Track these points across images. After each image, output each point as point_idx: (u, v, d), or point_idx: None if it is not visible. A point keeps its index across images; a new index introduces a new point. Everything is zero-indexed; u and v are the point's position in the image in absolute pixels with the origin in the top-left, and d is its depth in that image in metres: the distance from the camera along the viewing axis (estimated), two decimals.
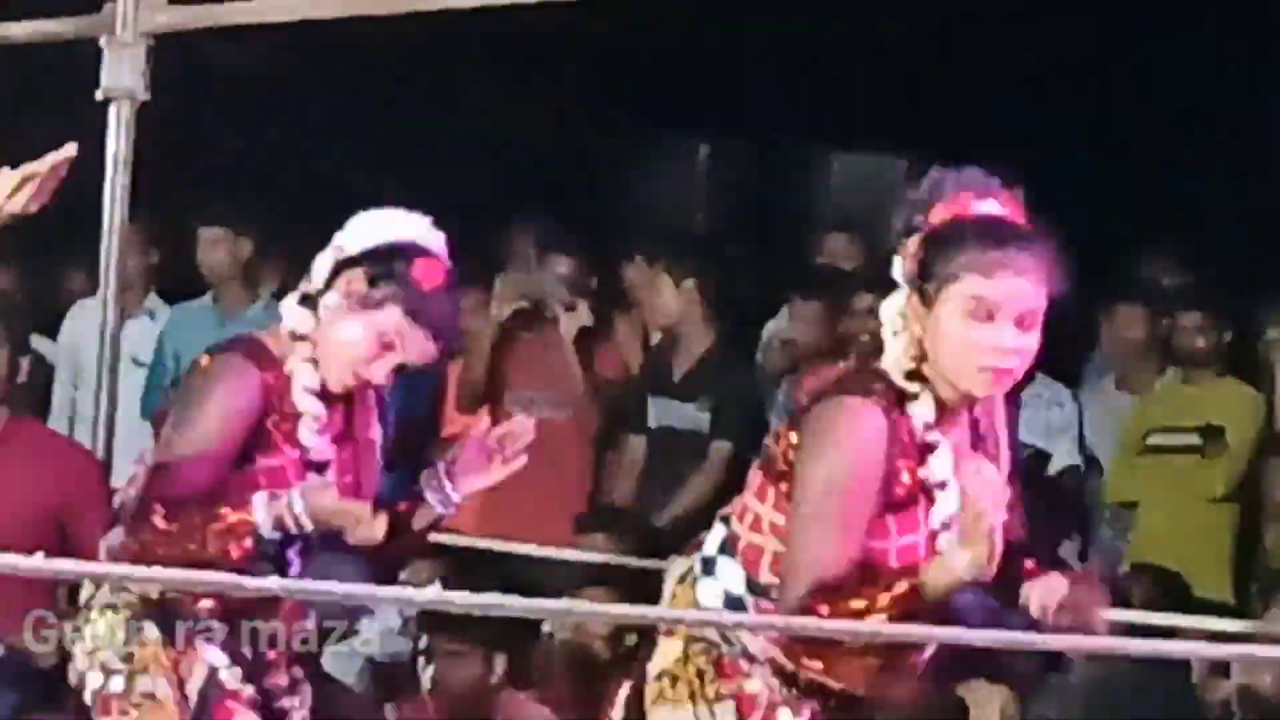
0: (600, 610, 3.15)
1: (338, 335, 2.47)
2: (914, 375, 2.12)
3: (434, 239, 2.54)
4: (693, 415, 4.39)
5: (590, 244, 4.79)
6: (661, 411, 4.43)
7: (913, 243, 2.14)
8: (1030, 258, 2.07)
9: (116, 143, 3.53)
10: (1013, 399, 2.34)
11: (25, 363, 3.66)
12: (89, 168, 2.95)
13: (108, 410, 3.62)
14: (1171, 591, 3.75)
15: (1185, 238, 4.93)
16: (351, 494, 2.53)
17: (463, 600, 1.96)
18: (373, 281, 2.46)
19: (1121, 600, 3.40)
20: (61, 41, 3.77)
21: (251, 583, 2.08)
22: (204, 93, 5.06)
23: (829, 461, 2.08)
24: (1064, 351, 3.75)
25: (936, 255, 2.09)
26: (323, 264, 2.53)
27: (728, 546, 2.20)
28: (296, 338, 2.49)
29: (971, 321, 2.07)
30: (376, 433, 2.63)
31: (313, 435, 2.48)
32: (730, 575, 2.19)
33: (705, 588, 2.21)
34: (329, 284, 2.50)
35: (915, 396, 2.11)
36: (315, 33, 3.73)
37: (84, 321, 4.59)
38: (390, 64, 5.49)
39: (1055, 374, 4.20)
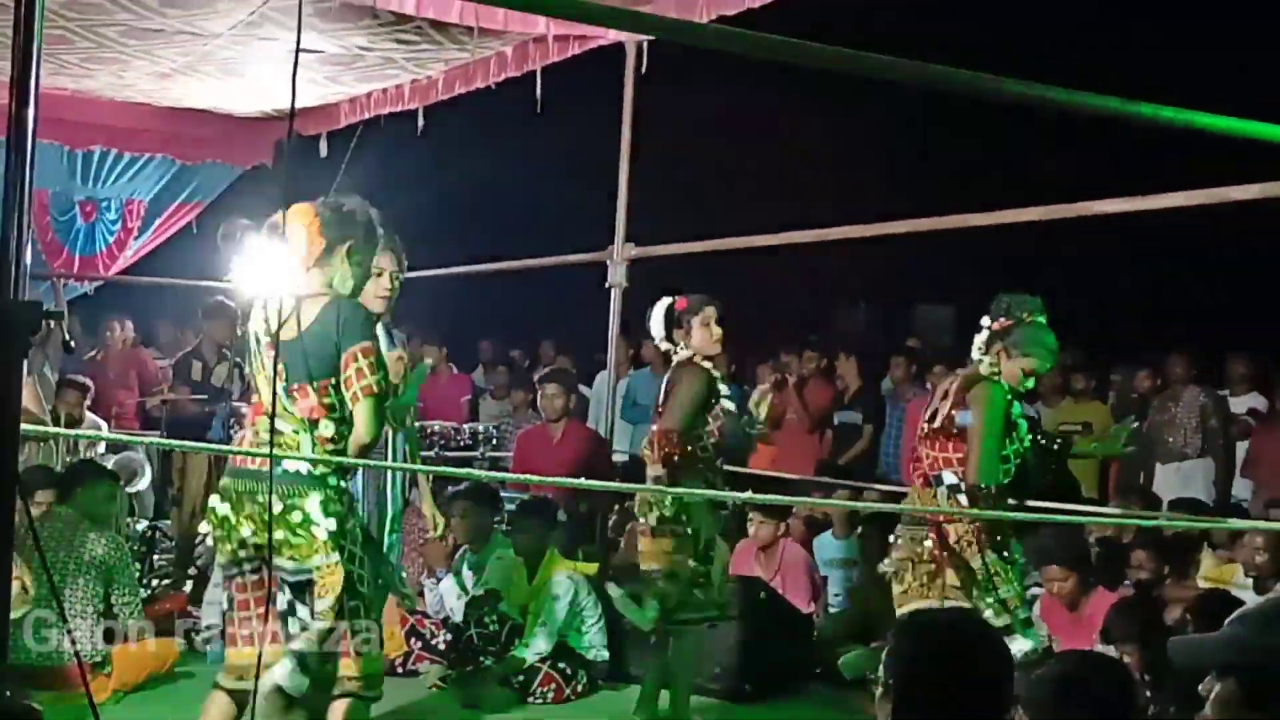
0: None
1: None
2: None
3: None
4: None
5: None
6: None
7: (1004, 324, 5.12)
8: None
9: (613, 315, 7.80)
10: None
11: (574, 399, 8.45)
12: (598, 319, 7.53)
13: (609, 420, 8.35)
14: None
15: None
16: None
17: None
18: None
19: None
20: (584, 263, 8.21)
21: None
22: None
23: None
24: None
25: (1023, 345, 5.09)
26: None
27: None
28: None
29: (1027, 378, 5.15)
30: None
31: None
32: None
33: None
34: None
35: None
36: None
37: (601, 380, 9.49)
38: None
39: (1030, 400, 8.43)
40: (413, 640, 6.88)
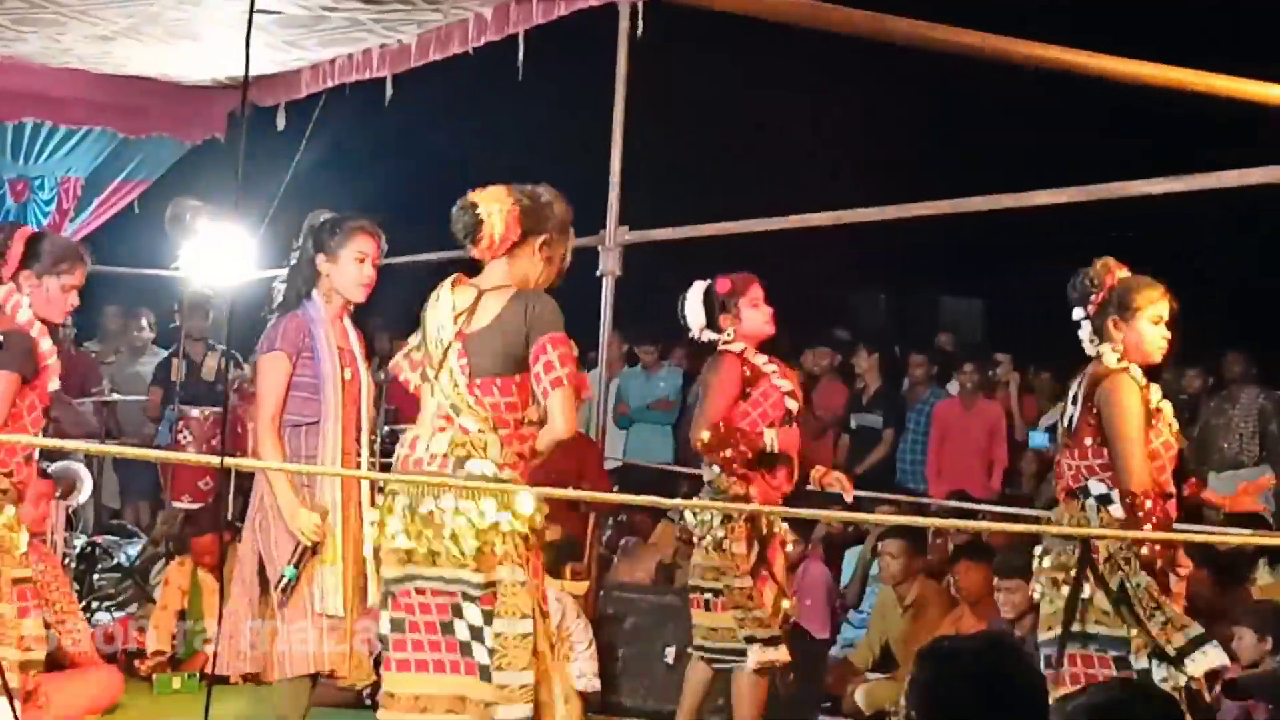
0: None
1: None
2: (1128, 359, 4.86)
3: None
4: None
5: None
6: None
7: (1098, 299, 4.99)
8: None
9: (604, 306, 7.82)
10: None
11: None
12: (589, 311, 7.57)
13: (600, 423, 8.35)
14: None
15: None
16: None
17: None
18: None
19: None
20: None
21: None
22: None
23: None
24: None
25: (1125, 296, 4.97)
26: None
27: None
28: None
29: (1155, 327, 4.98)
30: None
31: None
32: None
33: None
34: None
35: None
36: None
37: (591, 379, 9.50)
38: None
39: None
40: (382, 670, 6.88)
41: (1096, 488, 4.91)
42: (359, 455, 5.28)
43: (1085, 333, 5.07)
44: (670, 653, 6.98)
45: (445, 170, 14.19)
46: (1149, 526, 4.71)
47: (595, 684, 6.77)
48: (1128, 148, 10.61)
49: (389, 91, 8.63)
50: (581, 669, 6.72)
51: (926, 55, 4.04)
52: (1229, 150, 5.48)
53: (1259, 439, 9.07)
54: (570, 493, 6.08)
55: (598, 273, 7.63)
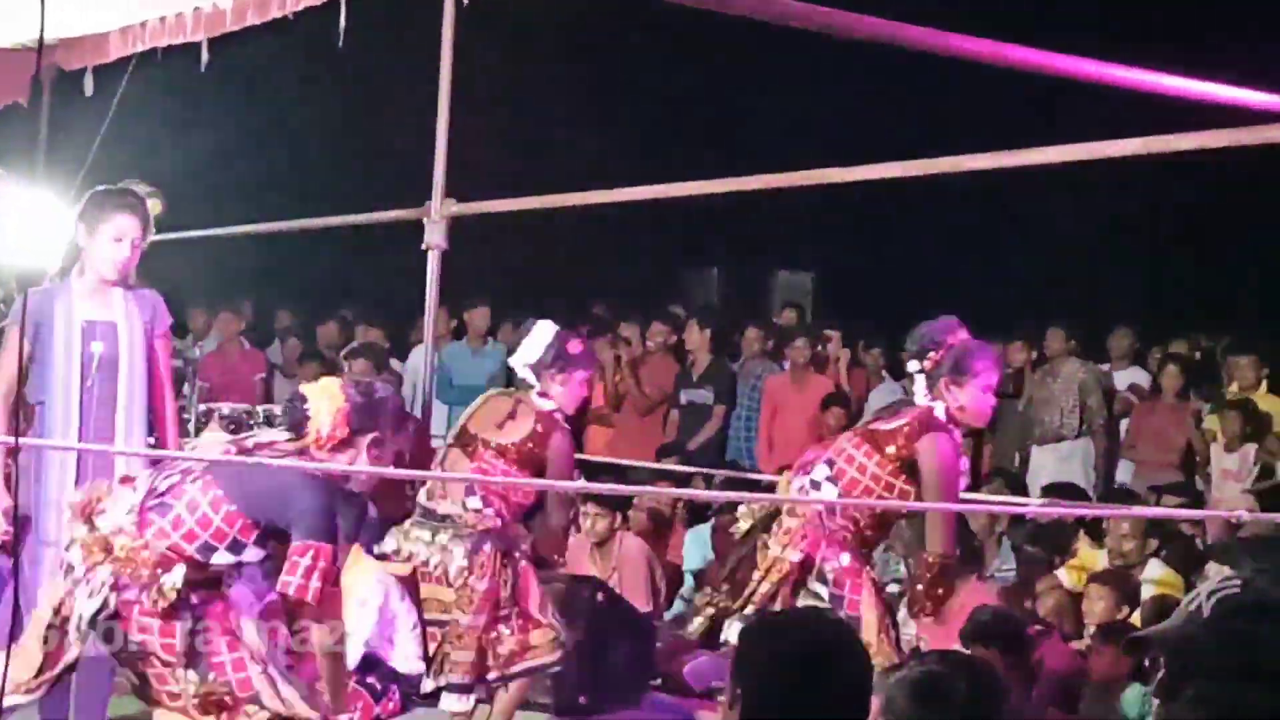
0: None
1: None
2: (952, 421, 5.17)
3: None
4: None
5: None
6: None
7: (936, 357, 5.18)
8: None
9: (430, 280, 7.62)
10: None
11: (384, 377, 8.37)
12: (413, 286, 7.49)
13: (425, 399, 8.26)
14: None
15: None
16: None
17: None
18: None
19: None
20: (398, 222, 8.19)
21: None
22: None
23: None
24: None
25: (963, 361, 5.17)
26: None
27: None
28: None
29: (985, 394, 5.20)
30: None
31: None
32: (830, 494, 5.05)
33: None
34: None
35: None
36: None
37: (417, 355, 9.43)
38: None
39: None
40: None
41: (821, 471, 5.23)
42: (114, 434, 5.10)
43: (919, 386, 5.26)
44: None
45: (262, 139, 13.99)
46: None
47: (420, 666, 6.70)
48: (958, 122, 10.80)
49: (204, 57, 8.42)
50: (406, 652, 6.66)
51: (757, 23, 4.04)
52: (1051, 125, 5.58)
53: (1079, 412, 9.29)
54: (403, 472, 5.98)
55: (423, 246, 7.54)
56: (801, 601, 5.02)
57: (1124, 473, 9.42)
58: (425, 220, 7.51)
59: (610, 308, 11.58)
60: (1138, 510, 7.35)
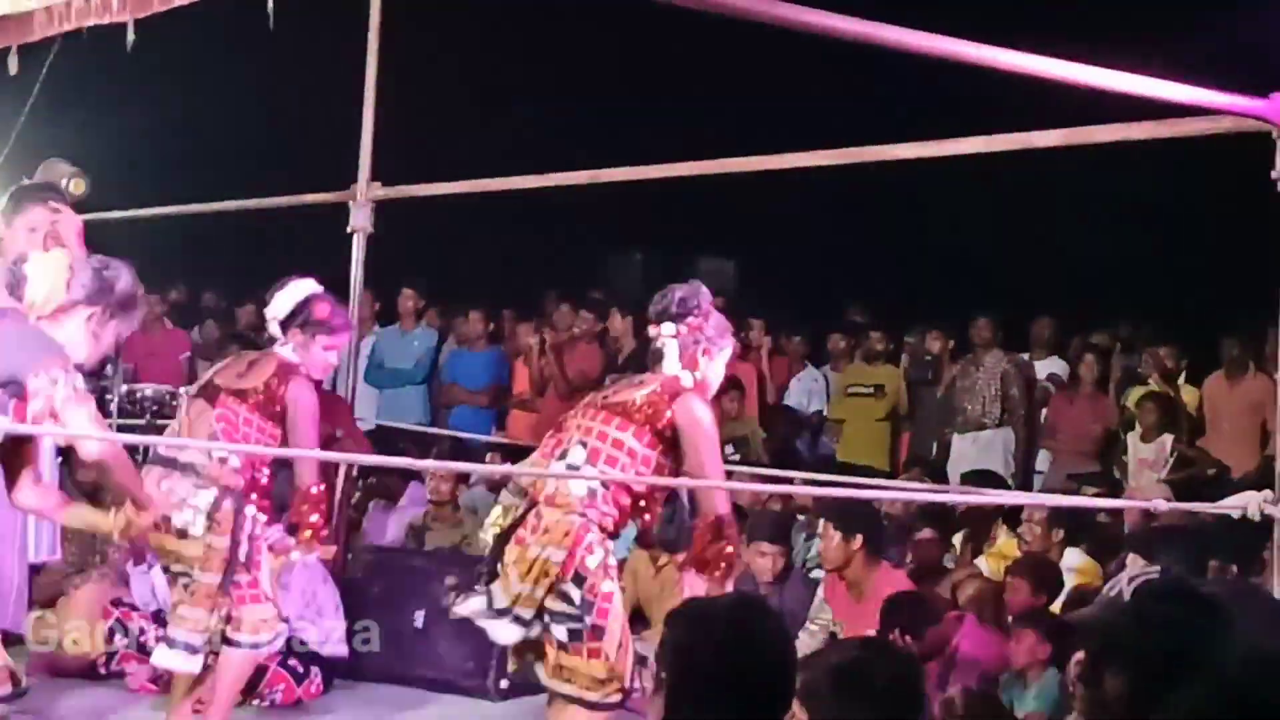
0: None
1: None
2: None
3: None
4: None
5: None
6: None
7: (694, 324, 4.95)
8: None
9: (355, 263, 7.67)
10: None
11: None
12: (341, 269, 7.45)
13: (350, 382, 8.20)
14: (860, 472, 8.05)
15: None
16: None
17: None
18: None
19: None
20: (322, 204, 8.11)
21: None
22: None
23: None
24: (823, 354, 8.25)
25: (715, 329, 5.02)
26: None
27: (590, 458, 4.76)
28: None
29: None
30: None
31: None
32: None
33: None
34: None
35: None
36: None
37: None
38: None
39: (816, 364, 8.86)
40: (117, 638, 6.69)
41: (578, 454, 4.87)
42: None
43: (671, 350, 4.98)
44: (420, 616, 6.95)
45: (191, 120, 13.85)
46: None
47: (343, 649, 6.68)
48: (882, 112, 10.84)
49: (130, 37, 8.30)
50: (328, 633, 6.63)
51: (685, 12, 4.04)
52: (976, 116, 5.63)
53: (1000, 401, 9.39)
54: (330, 454, 5.94)
55: (349, 229, 7.49)
56: (552, 603, 4.71)
57: (1042, 462, 9.52)
58: (350, 204, 7.47)
59: (537, 293, 11.59)
60: (1055, 499, 7.44)
